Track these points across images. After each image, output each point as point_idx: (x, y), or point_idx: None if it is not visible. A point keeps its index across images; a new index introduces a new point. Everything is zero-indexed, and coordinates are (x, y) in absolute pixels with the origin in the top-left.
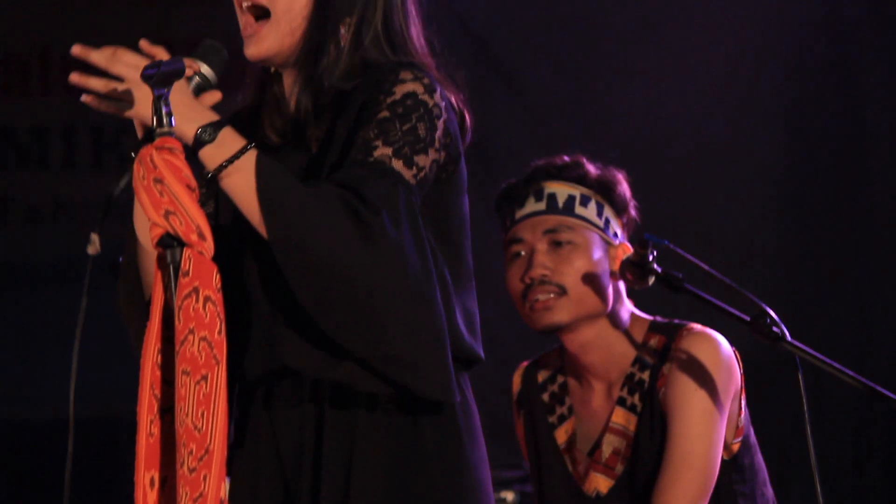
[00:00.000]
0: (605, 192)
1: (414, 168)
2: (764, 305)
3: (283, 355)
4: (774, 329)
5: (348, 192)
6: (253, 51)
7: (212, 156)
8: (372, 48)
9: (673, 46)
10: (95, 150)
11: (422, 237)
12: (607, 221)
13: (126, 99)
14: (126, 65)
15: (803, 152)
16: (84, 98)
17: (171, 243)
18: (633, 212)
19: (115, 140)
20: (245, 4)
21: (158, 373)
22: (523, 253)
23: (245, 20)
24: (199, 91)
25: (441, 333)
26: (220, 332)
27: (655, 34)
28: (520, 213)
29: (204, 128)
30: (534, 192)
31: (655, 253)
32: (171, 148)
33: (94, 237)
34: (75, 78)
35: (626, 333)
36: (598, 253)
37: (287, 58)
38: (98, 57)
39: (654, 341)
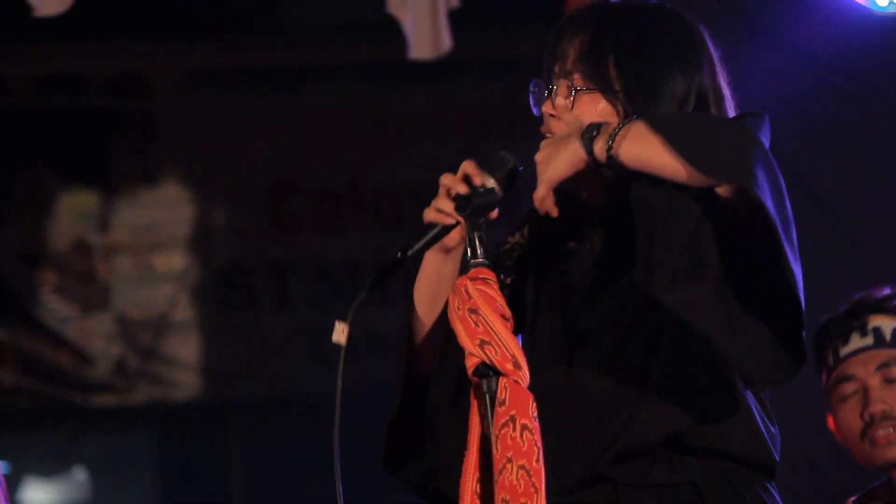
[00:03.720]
0: None
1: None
2: None
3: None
4: None
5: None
6: None
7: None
8: None
9: None
10: (406, 281)
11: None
12: None
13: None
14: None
15: None
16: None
17: (486, 373)
18: None
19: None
20: (548, 135)
21: (478, 502)
22: (855, 391)
23: None
24: (481, 209)
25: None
26: (537, 461)
27: None
28: (845, 350)
29: (587, 130)
30: (858, 326)
31: None
32: (485, 278)
33: (339, 325)
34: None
35: None
36: None
37: None
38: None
39: None
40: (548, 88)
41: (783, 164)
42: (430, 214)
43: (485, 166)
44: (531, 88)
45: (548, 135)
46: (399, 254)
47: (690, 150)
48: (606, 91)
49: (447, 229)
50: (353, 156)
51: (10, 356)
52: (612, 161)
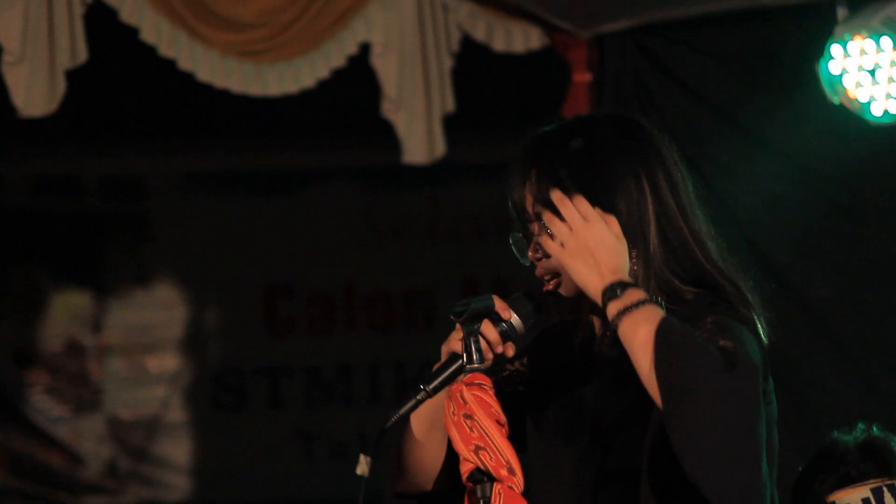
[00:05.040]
0: (888, 470)
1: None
2: None
3: None
4: None
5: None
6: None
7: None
8: (665, 271)
9: None
10: (398, 386)
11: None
12: None
13: None
14: None
15: None
16: None
17: (481, 479)
18: None
19: (418, 376)
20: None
21: None
22: None
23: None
24: (505, 338)
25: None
26: None
27: None
28: None
29: (611, 287)
30: None
31: None
32: (480, 384)
33: (363, 458)
34: None
35: None
36: None
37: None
38: None
39: None
40: (525, 235)
41: (773, 273)
42: (454, 345)
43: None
44: (511, 243)
45: (545, 278)
46: (421, 386)
47: (663, 366)
48: None
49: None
50: (347, 259)
51: (1, 456)
52: (614, 324)
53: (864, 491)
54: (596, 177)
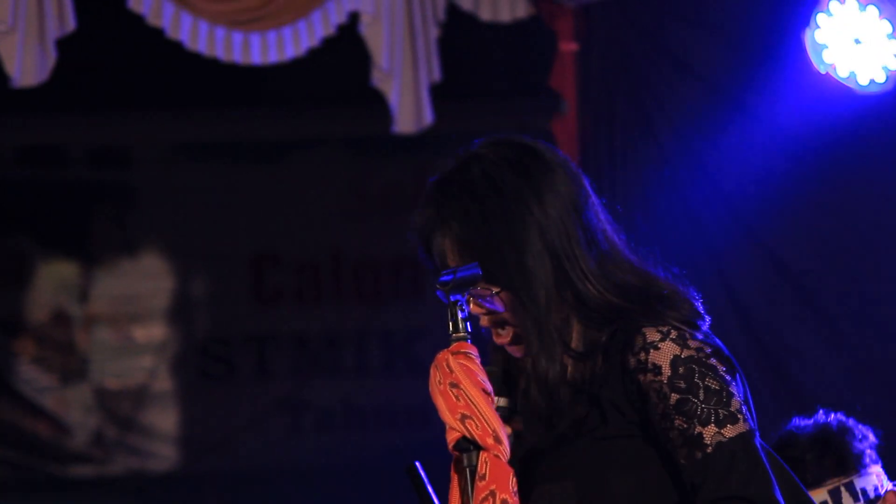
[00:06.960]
0: (845, 467)
1: (739, 416)
2: None
3: None
4: None
5: None
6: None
7: None
8: (586, 299)
9: None
10: (386, 355)
11: (782, 470)
12: (863, 492)
13: None
14: None
15: None
16: None
17: (467, 447)
18: (873, 440)
19: (405, 345)
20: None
21: None
22: None
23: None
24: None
25: None
26: None
27: None
28: None
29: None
30: None
31: None
32: (466, 352)
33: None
34: None
35: None
36: None
37: None
38: None
39: None
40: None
41: (759, 244)
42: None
43: None
44: (438, 291)
45: (497, 331)
46: None
47: None
48: (498, 284)
49: None
50: (334, 228)
51: None
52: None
53: (821, 494)
54: (497, 243)
